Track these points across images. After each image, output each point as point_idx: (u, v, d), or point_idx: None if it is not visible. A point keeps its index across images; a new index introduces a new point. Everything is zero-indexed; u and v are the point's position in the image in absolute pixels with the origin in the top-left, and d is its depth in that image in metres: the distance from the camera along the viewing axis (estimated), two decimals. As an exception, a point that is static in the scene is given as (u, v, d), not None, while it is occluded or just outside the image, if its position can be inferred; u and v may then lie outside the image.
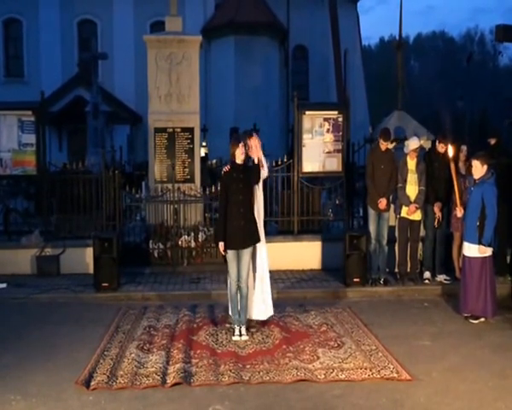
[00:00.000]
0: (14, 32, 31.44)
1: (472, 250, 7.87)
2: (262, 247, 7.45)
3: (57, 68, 29.72)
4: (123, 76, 29.65)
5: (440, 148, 9.68)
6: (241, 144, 7.17)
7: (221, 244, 7.19)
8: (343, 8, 32.13)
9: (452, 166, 8.40)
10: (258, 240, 7.29)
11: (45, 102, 12.24)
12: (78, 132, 25.35)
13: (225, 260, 7.36)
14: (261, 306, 7.47)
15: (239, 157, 7.19)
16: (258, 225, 7.32)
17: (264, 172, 7.37)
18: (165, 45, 11.98)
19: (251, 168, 7.28)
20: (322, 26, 31.12)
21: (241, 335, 7.15)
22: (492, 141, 10.20)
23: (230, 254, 7.18)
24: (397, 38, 13.17)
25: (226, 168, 7.34)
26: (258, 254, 7.40)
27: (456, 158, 8.91)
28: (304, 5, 30.90)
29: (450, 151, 8.39)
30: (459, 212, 8.21)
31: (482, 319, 7.89)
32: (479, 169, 7.86)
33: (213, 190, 11.21)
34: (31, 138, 11.29)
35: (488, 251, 7.84)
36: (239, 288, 7.24)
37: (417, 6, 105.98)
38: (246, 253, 7.18)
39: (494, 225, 7.79)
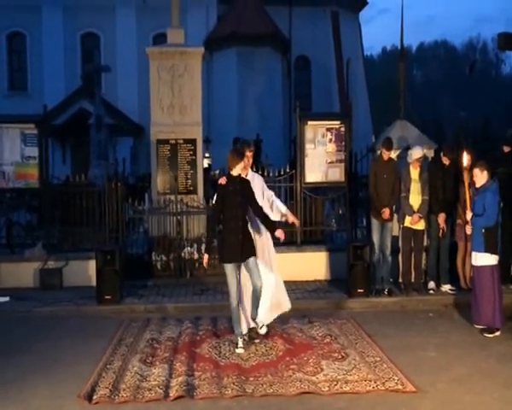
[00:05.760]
0: (17, 45, 31.64)
1: (479, 259, 7.79)
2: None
3: (60, 81, 29.88)
4: (126, 88, 29.77)
5: (445, 160, 9.64)
6: (245, 158, 7.11)
7: (206, 257, 7.39)
8: (345, 18, 32.32)
9: (465, 175, 8.26)
10: (255, 254, 7.16)
11: (48, 115, 12.28)
12: (81, 145, 25.40)
13: None
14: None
15: (238, 170, 7.09)
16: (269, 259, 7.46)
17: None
18: (167, 57, 12.00)
19: (247, 180, 7.21)
20: (324, 36, 31.27)
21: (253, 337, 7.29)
22: (507, 149, 10.04)
23: (230, 267, 7.11)
24: (399, 47, 13.14)
25: (222, 181, 7.15)
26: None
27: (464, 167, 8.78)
28: (306, 16, 30.97)
29: (465, 160, 8.25)
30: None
31: (497, 333, 7.64)
32: (479, 177, 7.80)
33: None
34: (33, 151, 11.28)
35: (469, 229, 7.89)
36: (254, 287, 7.11)
37: (419, 16, 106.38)
38: (248, 262, 7.08)
39: (490, 223, 7.67)
